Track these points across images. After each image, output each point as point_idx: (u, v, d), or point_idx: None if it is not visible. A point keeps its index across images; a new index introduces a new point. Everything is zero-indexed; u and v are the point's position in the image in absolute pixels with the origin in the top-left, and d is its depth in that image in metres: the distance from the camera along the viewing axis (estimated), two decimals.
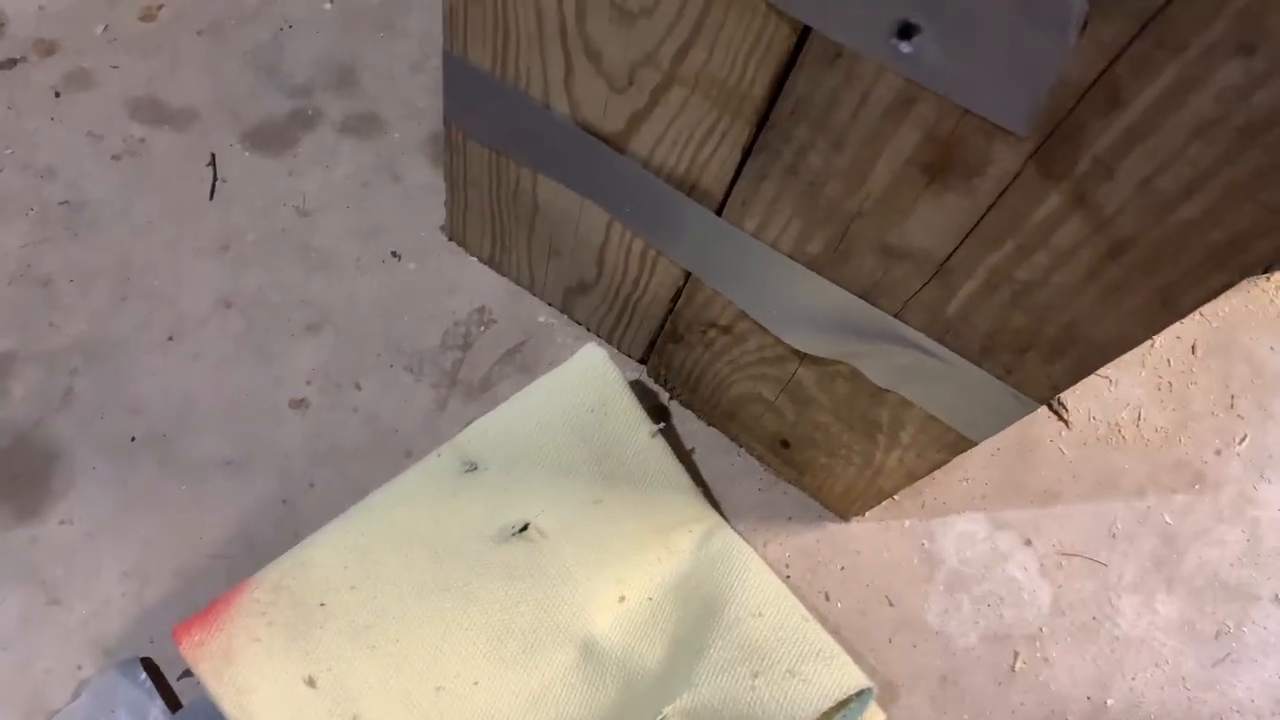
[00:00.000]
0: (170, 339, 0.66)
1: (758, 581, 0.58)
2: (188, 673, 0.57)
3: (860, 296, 0.45)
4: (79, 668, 0.57)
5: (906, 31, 0.33)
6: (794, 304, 0.49)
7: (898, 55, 0.34)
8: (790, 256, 0.46)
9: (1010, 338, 0.41)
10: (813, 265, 0.45)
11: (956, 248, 0.39)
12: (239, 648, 0.53)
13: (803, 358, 0.53)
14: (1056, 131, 0.32)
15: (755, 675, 0.54)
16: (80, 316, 0.67)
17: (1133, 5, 0.28)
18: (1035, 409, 0.44)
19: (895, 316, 0.45)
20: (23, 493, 0.61)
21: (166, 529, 0.61)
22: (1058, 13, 0.29)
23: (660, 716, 0.53)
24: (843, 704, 0.54)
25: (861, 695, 0.54)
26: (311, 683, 0.53)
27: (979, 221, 0.37)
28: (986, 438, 0.48)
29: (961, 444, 0.50)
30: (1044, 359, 0.41)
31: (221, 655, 0.52)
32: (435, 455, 0.61)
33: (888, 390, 0.50)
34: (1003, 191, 0.36)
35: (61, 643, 0.58)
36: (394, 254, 0.71)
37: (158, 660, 0.57)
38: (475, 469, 0.60)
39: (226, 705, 0.51)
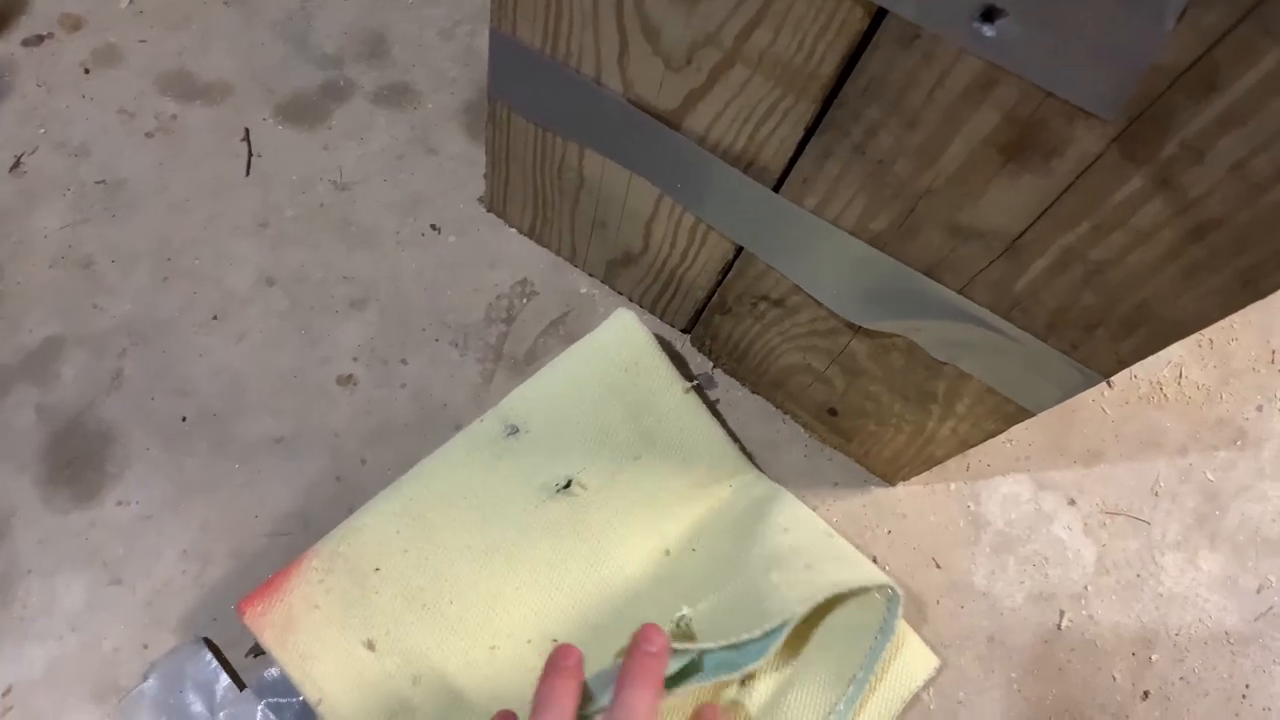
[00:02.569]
0: (215, 318, 0.66)
1: (789, 509, 0.61)
2: (250, 652, 0.58)
3: (924, 273, 0.45)
4: (145, 647, 0.58)
5: (990, 14, 0.33)
6: (852, 279, 0.49)
7: (980, 38, 0.33)
8: (851, 233, 0.46)
9: (1080, 315, 0.41)
10: (875, 242, 0.45)
11: (1029, 227, 0.39)
12: (299, 615, 0.54)
13: (856, 330, 0.53)
14: (1144, 115, 0.32)
15: (771, 571, 0.54)
16: (124, 298, 0.67)
17: None
18: (1099, 382, 0.44)
19: (959, 292, 0.45)
20: (79, 476, 0.62)
21: (222, 508, 0.62)
22: None
23: (679, 615, 0.53)
24: (866, 603, 0.56)
25: (891, 600, 0.55)
26: (370, 646, 0.54)
27: (1054, 202, 0.37)
28: (1046, 409, 0.48)
29: (1019, 415, 0.50)
30: (1113, 336, 0.41)
31: (283, 623, 0.54)
32: (479, 422, 0.61)
33: (945, 363, 0.50)
34: (1082, 173, 0.35)
35: (126, 623, 0.58)
36: (434, 227, 0.71)
37: (220, 640, 0.58)
38: (516, 432, 0.60)
39: (291, 671, 0.53)
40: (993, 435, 0.53)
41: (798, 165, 0.45)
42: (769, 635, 0.50)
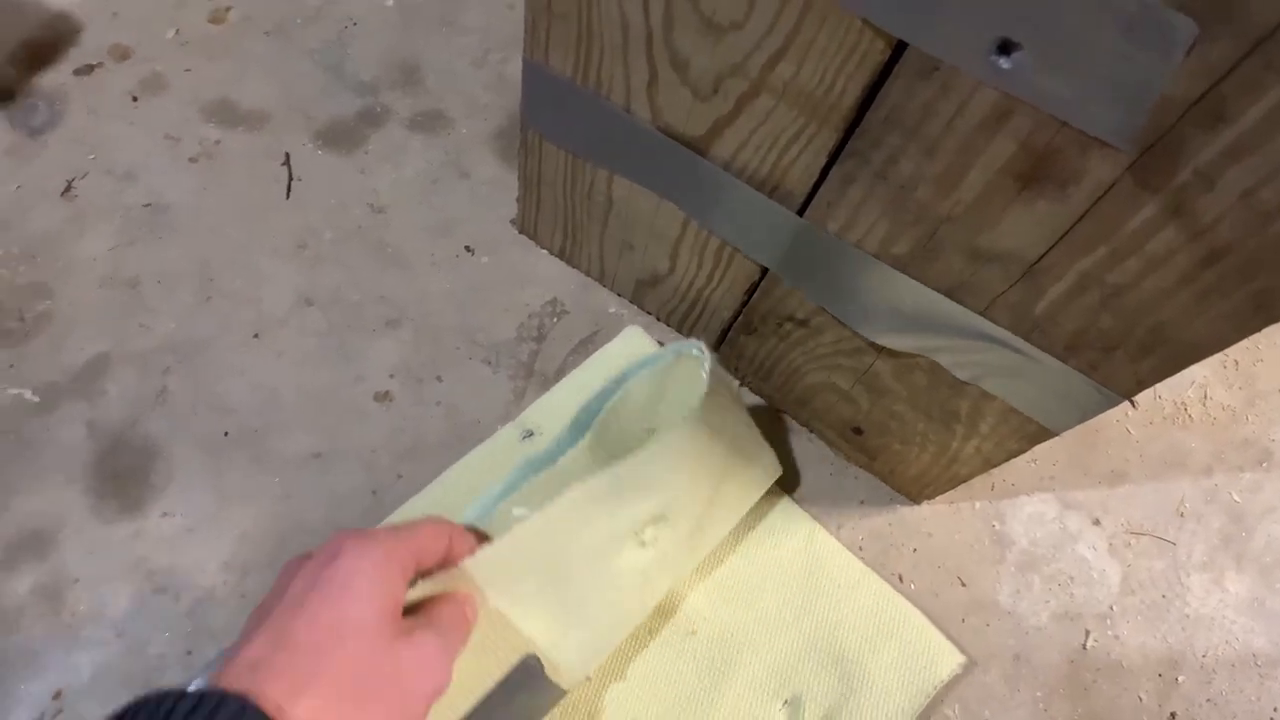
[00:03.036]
0: (255, 337, 0.69)
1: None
2: None
3: (945, 294, 0.46)
4: (188, 653, 0.60)
5: (1005, 48, 0.34)
6: (876, 301, 0.50)
7: (996, 71, 0.35)
8: (875, 256, 0.47)
9: (1098, 337, 0.42)
10: (897, 264, 0.46)
11: (1047, 252, 0.40)
12: None
13: (880, 350, 0.54)
14: (1157, 145, 0.33)
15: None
16: (168, 317, 0.69)
17: (1241, 27, 0.29)
18: (1120, 403, 0.45)
19: (981, 314, 0.46)
20: (125, 489, 0.64)
21: (261, 521, 0.64)
22: (1162, 34, 0.30)
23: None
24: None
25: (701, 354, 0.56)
26: None
27: (1071, 228, 0.38)
28: (1068, 429, 0.49)
29: (1041, 435, 0.51)
30: (1132, 357, 0.42)
31: None
32: (499, 430, 0.63)
33: (968, 383, 0.51)
34: (1097, 200, 0.36)
35: (171, 630, 0.60)
36: (467, 248, 0.73)
37: None
38: (531, 435, 0.62)
39: None
40: (1016, 455, 0.54)
41: (821, 190, 0.46)
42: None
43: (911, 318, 0.49)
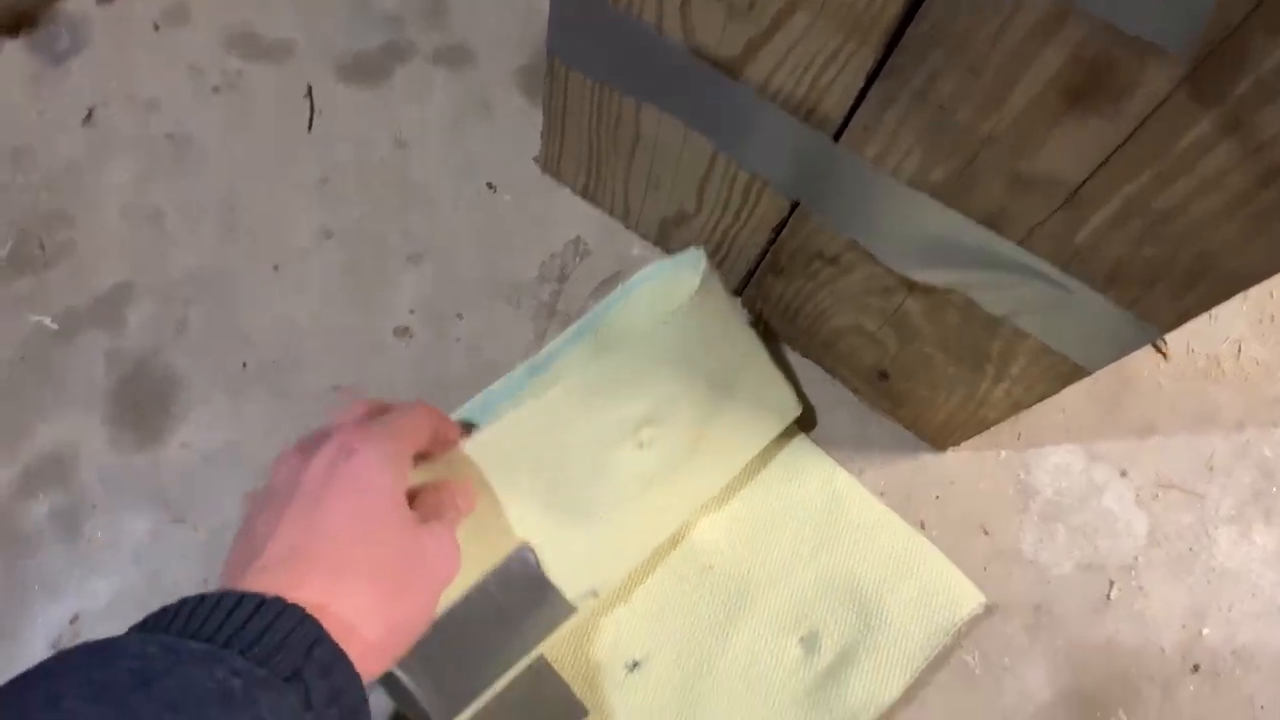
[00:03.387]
0: (276, 269, 0.68)
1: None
2: None
3: (983, 224, 0.45)
4: (204, 581, 0.60)
5: None
6: (910, 233, 0.49)
7: None
8: (910, 184, 0.46)
9: (1141, 268, 0.41)
10: (934, 193, 0.45)
11: (1091, 176, 0.39)
12: None
13: (912, 288, 0.53)
14: (1216, 52, 0.32)
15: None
16: (190, 248, 0.68)
17: None
18: (1158, 338, 0.44)
19: (1019, 244, 0.44)
20: (145, 419, 0.64)
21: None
22: None
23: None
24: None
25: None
26: None
27: (1118, 148, 0.37)
28: (1103, 367, 0.48)
29: (1074, 374, 0.50)
30: (1174, 289, 0.41)
31: None
32: (518, 366, 0.60)
33: (1002, 321, 0.50)
34: (1148, 116, 0.35)
35: (187, 559, 0.60)
36: (490, 186, 0.72)
37: None
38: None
39: None
40: (1046, 396, 0.53)
41: (858, 114, 0.45)
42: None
43: (946, 250, 0.48)
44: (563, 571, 0.52)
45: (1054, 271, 0.44)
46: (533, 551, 0.51)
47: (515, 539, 0.51)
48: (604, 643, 0.58)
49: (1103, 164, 0.38)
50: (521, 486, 0.51)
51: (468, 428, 0.51)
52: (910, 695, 0.59)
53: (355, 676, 0.34)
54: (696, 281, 0.53)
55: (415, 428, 0.44)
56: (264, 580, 0.35)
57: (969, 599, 0.59)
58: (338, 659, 0.33)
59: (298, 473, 0.39)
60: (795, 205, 0.55)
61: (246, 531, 0.39)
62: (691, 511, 0.58)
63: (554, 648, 0.56)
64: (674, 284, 0.56)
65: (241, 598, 0.33)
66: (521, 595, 0.51)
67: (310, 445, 0.41)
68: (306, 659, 0.32)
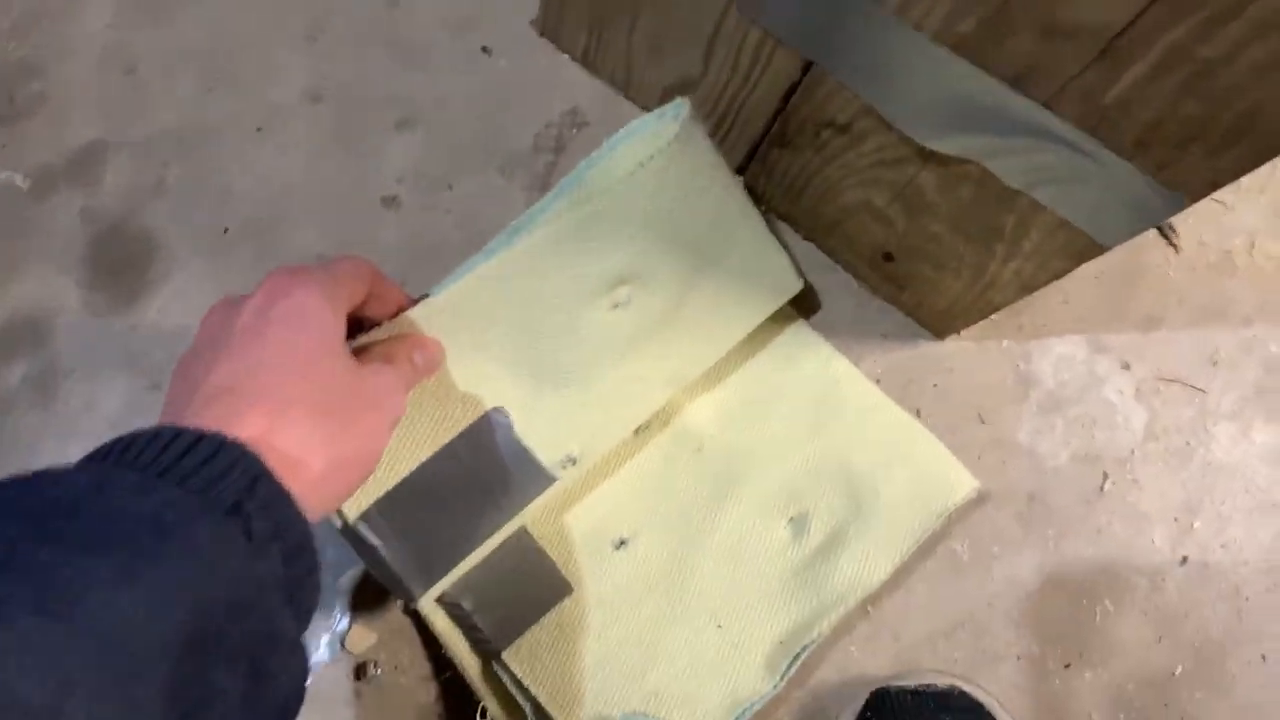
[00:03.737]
0: (259, 130, 0.65)
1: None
2: None
3: (1009, 83, 0.42)
4: None
5: None
6: (930, 95, 0.46)
7: None
8: (934, 39, 0.43)
9: (1175, 128, 0.39)
10: (959, 48, 0.43)
11: (1135, 19, 0.36)
12: None
13: (926, 159, 0.50)
14: None
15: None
16: (168, 105, 0.65)
17: None
18: (1184, 208, 0.42)
19: (1045, 105, 0.42)
20: (121, 281, 0.61)
21: None
22: None
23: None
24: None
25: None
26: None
27: None
28: (1119, 243, 0.46)
29: (1090, 251, 0.48)
30: (1210, 151, 0.39)
31: None
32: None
33: (1018, 193, 0.48)
34: None
35: None
36: (484, 49, 0.68)
37: None
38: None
39: None
40: (1058, 276, 0.51)
41: None
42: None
43: (967, 114, 0.45)
44: (538, 436, 0.51)
45: (1079, 136, 0.42)
46: (506, 414, 0.50)
47: (487, 402, 0.49)
48: (590, 521, 0.57)
49: (1147, 7, 0.35)
50: (491, 346, 0.49)
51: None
52: (896, 582, 0.59)
53: (299, 513, 0.33)
54: (676, 129, 0.49)
55: (352, 273, 0.42)
56: (203, 416, 0.33)
57: (963, 484, 0.58)
58: (280, 494, 0.32)
59: (232, 317, 0.38)
60: (808, 67, 0.52)
61: (183, 374, 0.37)
62: (676, 385, 0.56)
63: (539, 525, 0.55)
64: (657, 136, 0.50)
65: (180, 432, 0.31)
66: (495, 460, 0.50)
67: (242, 296, 0.39)
68: (248, 493, 0.31)
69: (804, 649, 0.53)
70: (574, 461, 0.52)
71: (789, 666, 0.53)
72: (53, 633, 0.24)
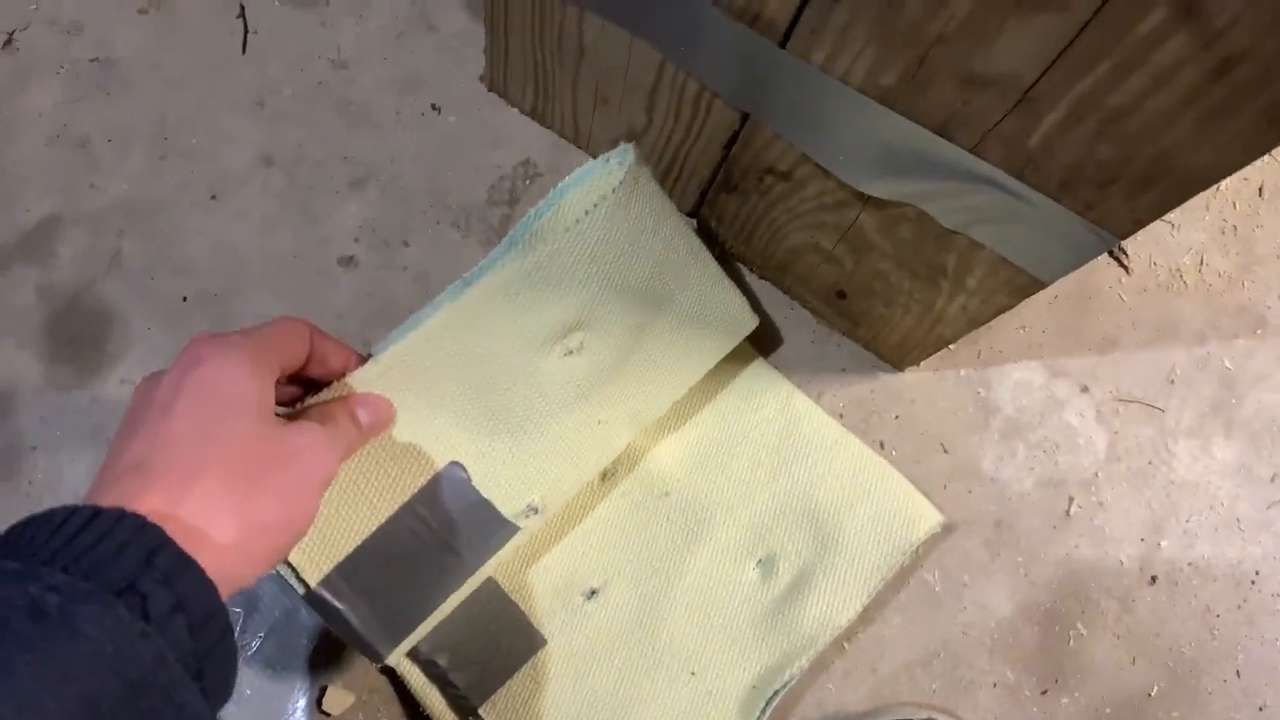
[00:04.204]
0: (213, 198, 0.65)
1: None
2: None
3: (935, 131, 0.43)
4: None
5: None
6: (862, 143, 0.47)
7: None
8: (860, 90, 0.44)
9: (1095, 170, 0.39)
10: (885, 99, 0.43)
11: (1045, 72, 0.37)
12: None
13: (865, 202, 0.51)
14: None
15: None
16: (121, 177, 0.66)
17: None
18: (1114, 245, 0.43)
19: (971, 151, 0.43)
20: (81, 355, 0.62)
21: None
22: None
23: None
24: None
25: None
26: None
27: (1072, 42, 0.35)
28: (1059, 278, 0.47)
29: (1031, 286, 0.49)
30: (1130, 192, 0.39)
31: None
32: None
33: (956, 233, 0.48)
34: (1100, 7, 0.33)
35: None
36: (434, 107, 0.69)
37: None
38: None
39: None
40: (1003, 310, 0.52)
41: (804, 15, 0.43)
42: None
43: (898, 160, 0.46)
44: (497, 487, 0.51)
45: (1007, 179, 0.43)
46: (463, 468, 0.50)
47: (442, 457, 0.49)
48: (560, 572, 0.57)
49: (1056, 59, 0.36)
50: (443, 401, 0.49)
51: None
52: (870, 615, 0.59)
53: (206, 583, 0.32)
54: (621, 175, 0.49)
55: (285, 333, 0.42)
56: (108, 495, 0.33)
57: (927, 519, 0.58)
58: (183, 564, 0.31)
59: (150, 393, 0.37)
60: (745, 117, 0.52)
61: (107, 456, 0.37)
62: (637, 426, 0.56)
63: (509, 577, 0.56)
64: (602, 182, 0.50)
65: (75, 510, 0.31)
66: (455, 514, 0.49)
67: (161, 371, 0.39)
68: (145, 568, 0.30)
69: (775, 693, 0.54)
70: (536, 510, 0.52)
71: (763, 711, 0.54)
72: None
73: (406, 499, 0.48)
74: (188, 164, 0.66)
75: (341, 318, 0.63)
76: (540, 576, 0.57)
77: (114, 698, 0.28)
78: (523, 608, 0.55)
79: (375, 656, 0.49)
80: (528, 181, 0.68)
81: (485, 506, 0.50)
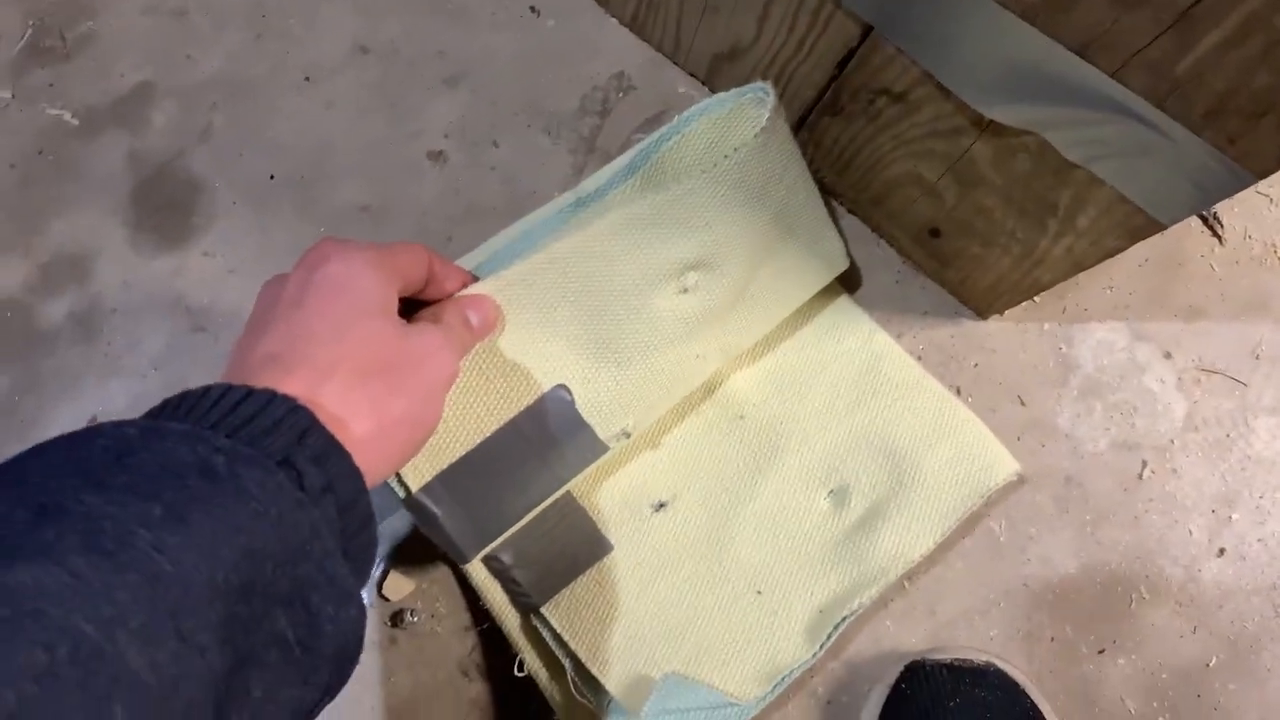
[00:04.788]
0: (307, 80, 0.65)
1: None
2: None
3: (1075, 52, 0.42)
4: None
5: None
6: (992, 63, 0.45)
7: None
8: (1000, 3, 0.43)
9: (1248, 100, 0.38)
10: (1027, 14, 0.42)
11: None
12: None
13: (982, 130, 0.50)
14: None
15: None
16: (217, 52, 0.65)
17: None
18: (1250, 184, 0.41)
19: (1112, 75, 0.41)
20: (166, 224, 0.62)
21: None
22: None
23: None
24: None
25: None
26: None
27: None
28: (1179, 221, 0.46)
29: (1147, 229, 0.47)
30: None
31: None
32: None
33: (1076, 167, 0.47)
34: None
35: (207, 367, 0.59)
36: (533, 9, 0.68)
37: None
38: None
39: None
40: (1113, 254, 0.51)
41: None
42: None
43: (1030, 83, 0.45)
44: (597, 412, 0.51)
45: (1146, 108, 0.42)
46: (568, 390, 0.50)
47: (549, 378, 0.50)
48: (630, 484, 0.57)
49: None
50: (557, 324, 0.50)
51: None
52: (934, 558, 0.59)
53: (353, 468, 0.33)
54: (764, 116, 0.49)
55: (403, 253, 0.42)
56: (257, 373, 0.34)
57: (1005, 466, 0.58)
58: (332, 447, 0.32)
59: (276, 292, 0.38)
60: (867, 32, 0.51)
61: (234, 353, 0.37)
62: (728, 356, 0.56)
63: (579, 485, 0.55)
64: (734, 119, 0.51)
65: (229, 388, 0.31)
66: (555, 433, 0.50)
67: (296, 264, 0.40)
68: (298, 446, 0.31)
69: (844, 619, 0.53)
70: (628, 435, 0.52)
71: (829, 636, 0.53)
72: (101, 570, 0.25)
73: (512, 415, 0.49)
74: (283, 45, 0.66)
75: (425, 212, 0.63)
76: (610, 487, 0.56)
77: (276, 558, 0.28)
78: (591, 515, 0.55)
79: (460, 558, 0.49)
80: (620, 94, 0.67)
81: (584, 428, 0.50)
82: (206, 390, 0.31)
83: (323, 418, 0.33)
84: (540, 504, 0.50)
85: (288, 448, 0.31)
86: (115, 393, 0.58)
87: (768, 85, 0.50)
